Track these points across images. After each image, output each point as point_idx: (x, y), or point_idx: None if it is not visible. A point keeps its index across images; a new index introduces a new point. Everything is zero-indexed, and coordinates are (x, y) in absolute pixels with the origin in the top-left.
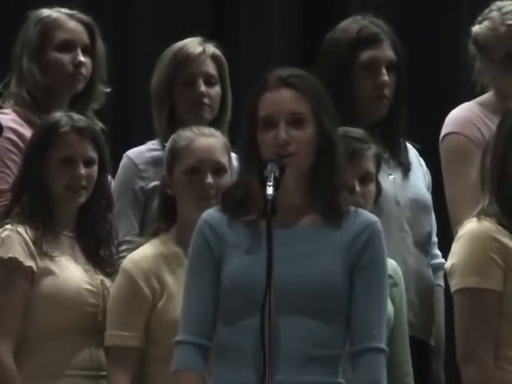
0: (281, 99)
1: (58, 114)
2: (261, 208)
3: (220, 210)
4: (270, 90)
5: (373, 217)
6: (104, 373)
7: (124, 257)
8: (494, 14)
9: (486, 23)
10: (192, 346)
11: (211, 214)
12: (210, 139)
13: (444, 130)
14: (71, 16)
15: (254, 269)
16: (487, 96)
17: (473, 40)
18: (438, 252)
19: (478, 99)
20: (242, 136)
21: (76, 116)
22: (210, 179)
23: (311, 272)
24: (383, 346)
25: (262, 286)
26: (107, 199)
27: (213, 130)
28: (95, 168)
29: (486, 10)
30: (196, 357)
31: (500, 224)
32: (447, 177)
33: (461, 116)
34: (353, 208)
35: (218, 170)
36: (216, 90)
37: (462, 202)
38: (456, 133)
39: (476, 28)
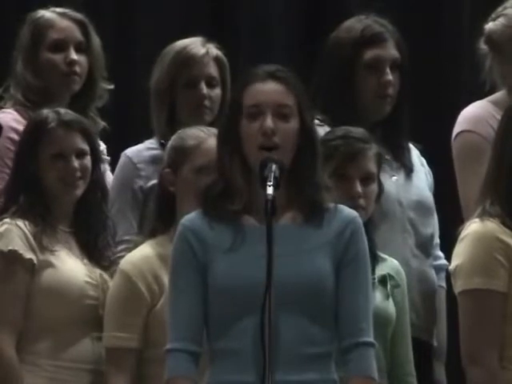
0: (268, 90)
1: (45, 111)
2: (242, 201)
3: (199, 214)
4: (257, 82)
5: (353, 212)
6: (101, 368)
7: (123, 256)
8: (510, 11)
9: (501, 20)
10: (183, 354)
11: (191, 218)
12: None
13: (457, 129)
14: (63, 15)
15: (242, 268)
16: (499, 94)
17: (486, 37)
18: (440, 253)
19: (490, 98)
20: (225, 127)
21: (63, 110)
22: None
23: (302, 271)
24: (372, 339)
25: (250, 285)
26: (102, 190)
27: None
28: (88, 158)
29: (500, 8)
30: (188, 364)
31: (503, 224)
32: (460, 175)
33: (474, 114)
34: (332, 204)
35: None
36: (217, 91)
37: (475, 200)
38: (469, 131)
39: (490, 25)
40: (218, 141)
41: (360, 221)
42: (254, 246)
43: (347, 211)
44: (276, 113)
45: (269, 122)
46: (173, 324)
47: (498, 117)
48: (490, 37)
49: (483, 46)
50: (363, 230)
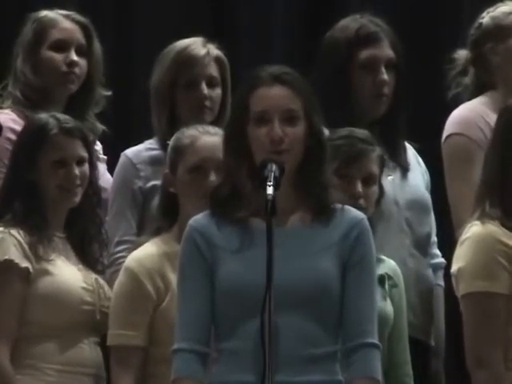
0: (275, 95)
1: (44, 116)
2: (251, 205)
3: (207, 215)
4: (263, 86)
5: (360, 214)
6: (102, 373)
7: (122, 257)
8: (502, 5)
9: (500, 9)
10: (190, 354)
11: (199, 219)
12: (213, 138)
13: (446, 131)
14: (67, 16)
15: (250, 270)
16: (490, 95)
17: (489, 27)
18: (437, 252)
19: (481, 98)
20: (231, 131)
21: (62, 116)
22: (213, 178)
23: (307, 272)
24: (376, 341)
25: (258, 287)
26: (98, 196)
27: (217, 129)
28: (87, 166)
29: (484, 13)
30: (195, 364)
31: (503, 226)
32: (450, 178)
33: (463, 116)
34: (339, 205)
35: (221, 168)
36: (217, 92)
37: (464, 203)
38: (458, 134)
39: (491, 15)
40: (224, 144)
41: (367, 223)
42: (261, 248)
43: (354, 213)
44: (283, 118)
45: (277, 129)
46: (180, 324)
47: (488, 118)
48: (493, 25)
49: (465, 52)
50: (370, 232)
